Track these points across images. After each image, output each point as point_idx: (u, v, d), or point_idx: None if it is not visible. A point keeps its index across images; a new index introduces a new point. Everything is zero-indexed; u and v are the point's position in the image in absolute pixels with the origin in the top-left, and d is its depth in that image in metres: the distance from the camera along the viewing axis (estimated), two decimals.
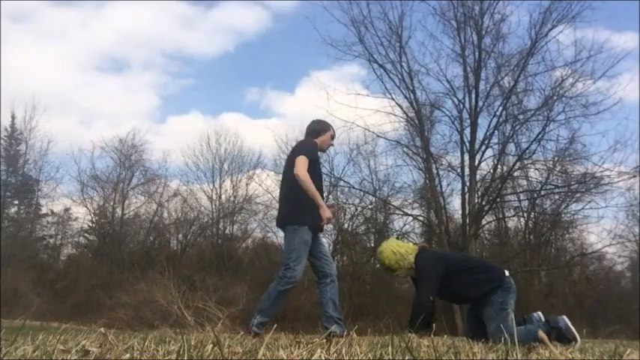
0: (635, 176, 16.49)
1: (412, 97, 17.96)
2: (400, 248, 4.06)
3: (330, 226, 18.71)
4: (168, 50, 36.65)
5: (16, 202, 24.57)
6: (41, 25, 32.71)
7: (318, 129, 4.53)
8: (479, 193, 17.97)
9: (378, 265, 3.80)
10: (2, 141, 24.06)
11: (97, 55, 36.08)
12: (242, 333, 3.94)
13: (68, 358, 1.43)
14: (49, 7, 34.42)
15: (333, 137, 4.62)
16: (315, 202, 4.09)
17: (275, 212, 22.73)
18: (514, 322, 3.65)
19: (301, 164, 4.10)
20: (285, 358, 1.41)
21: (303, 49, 32.65)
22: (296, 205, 4.18)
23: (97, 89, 33.26)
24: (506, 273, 4.04)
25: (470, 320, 4.10)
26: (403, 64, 17.86)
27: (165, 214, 24.53)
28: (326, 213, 4.07)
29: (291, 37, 33.45)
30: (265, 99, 35.85)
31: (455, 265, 4.01)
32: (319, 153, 4.47)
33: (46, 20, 32.79)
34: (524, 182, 19.23)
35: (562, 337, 3.62)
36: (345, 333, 4.09)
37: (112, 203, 24.23)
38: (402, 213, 19.99)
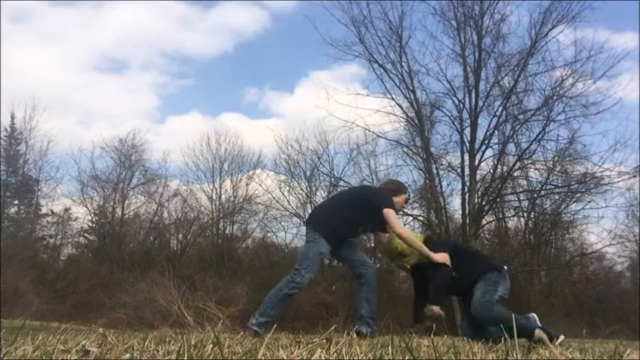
0: (635, 176, 16.50)
1: (412, 97, 17.97)
2: (410, 235, 4.22)
3: None
4: (167, 50, 36.70)
5: (16, 202, 24.58)
6: (41, 25, 32.76)
7: (396, 189, 4.55)
8: (479, 193, 17.98)
9: (385, 255, 3.94)
10: (2, 141, 24.07)
11: (96, 56, 36.16)
12: (242, 333, 3.93)
13: (68, 358, 1.43)
14: (49, 7, 34.47)
15: (407, 200, 4.71)
16: (429, 255, 4.04)
17: (275, 212, 22.81)
18: (496, 301, 3.76)
19: (393, 220, 4.16)
20: (285, 358, 1.41)
21: (302, 49, 32.71)
22: (336, 223, 4.28)
23: (96, 89, 33.30)
24: (505, 267, 4.18)
25: (467, 317, 4.11)
26: (403, 64, 17.89)
27: (165, 214, 24.54)
28: (443, 258, 4.00)
29: (290, 38, 33.50)
30: (264, 99, 35.92)
31: (461, 250, 4.30)
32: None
33: (45, 20, 32.83)
34: (524, 182, 19.25)
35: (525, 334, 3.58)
36: (372, 333, 4.14)
37: (112, 203, 24.24)
38: (401, 213, 19.98)
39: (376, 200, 4.27)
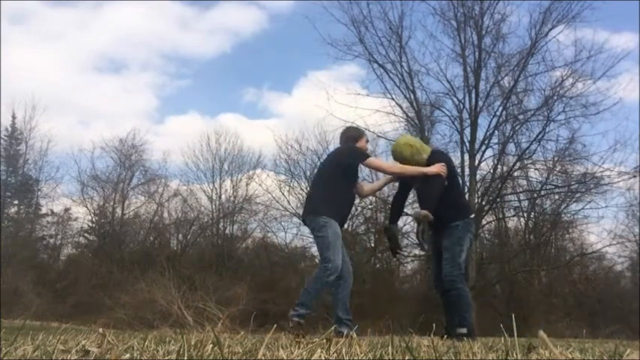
0: (635, 176, 16.50)
1: (412, 97, 17.96)
2: (416, 143, 4.40)
3: None
4: (165, 51, 36.72)
5: (16, 202, 24.57)
6: (39, 25, 32.73)
7: (356, 136, 4.67)
8: (479, 193, 17.97)
9: (391, 154, 4.12)
10: (2, 141, 24.06)
11: (95, 56, 36.20)
12: (242, 333, 3.93)
13: (68, 358, 1.43)
14: (47, 7, 34.49)
15: (367, 142, 4.85)
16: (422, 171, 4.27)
17: (275, 212, 22.82)
18: (464, 260, 4.21)
19: (377, 161, 4.47)
20: (285, 358, 1.41)
21: (300, 49, 32.68)
22: (327, 199, 4.35)
23: (95, 90, 33.27)
24: (472, 216, 4.64)
25: (435, 257, 4.44)
26: (403, 64, 17.87)
27: (166, 214, 24.53)
28: (438, 169, 4.22)
29: (288, 38, 33.52)
30: (263, 99, 35.95)
31: (455, 178, 4.58)
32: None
33: (44, 21, 32.81)
34: (524, 182, 19.24)
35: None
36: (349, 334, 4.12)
37: (112, 203, 24.24)
38: (402, 213, 19.98)
39: (349, 158, 4.38)
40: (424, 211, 4.09)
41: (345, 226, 22.13)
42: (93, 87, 33.47)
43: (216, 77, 34.89)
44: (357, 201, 21.63)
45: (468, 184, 17.60)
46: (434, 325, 4.07)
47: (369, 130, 18.14)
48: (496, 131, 17.90)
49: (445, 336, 3.51)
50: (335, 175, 4.39)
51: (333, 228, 4.25)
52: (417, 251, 18.50)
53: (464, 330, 4.02)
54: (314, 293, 4.24)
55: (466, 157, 17.73)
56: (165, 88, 35.54)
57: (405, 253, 4.67)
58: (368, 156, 4.48)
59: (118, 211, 24.13)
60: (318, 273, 4.25)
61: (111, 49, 34.40)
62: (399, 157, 4.38)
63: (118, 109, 33.57)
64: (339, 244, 4.30)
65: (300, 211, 22.34)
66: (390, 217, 4.73)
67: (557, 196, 18.65)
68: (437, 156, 4.40)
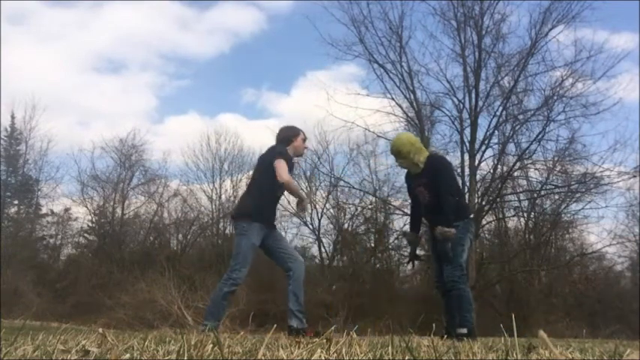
0: (635, 176, 16.51)
1: (412, 97, 17.97)
2: (417, 143, 4.37)
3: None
4: (164, 51, 36.70)
5: (16, 202, 24.55)
6: (39, 26, 32.73)
7: (290, 135, 4.58)
8: (479, 193, 17.98)
9: (390, 150, 4.15)
10: (2, 141, 24.06)
11: (94, 56, 36.24)
12: (242, 333, 3.94)
13: (68, 358, 1.43)
14: (46, 7, 34.48)
15: (305, 140, 4.68)
16: (301, 196, 4.53)
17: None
18: (465, 260, 4.27)
19: (283, 169, 4.24)
20: (285, 358, 1.41)
21: (299, 49, 32.72)
22: (249, 203, 4.40)
23: (95, 90, 33.30)
24: (471, 216, 4.76)
25: (437, 259, 4.42)
26: (403, 64, 17.89)
27: (166, 214, 24.52)
28: (305, 205, 4.47)
29: (287, 38, 33.58)
30: (261, 100, 36.00)
31: (455, 180, 4.67)
32: (296, 158, 4.66)
33: (43, 21, 32.82)
34: (524, 182, 19.25)
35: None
36: (303, 326, 4.20)
37: (112, 203, 24.22)
38: (402, 213, 19.97)
39: (271, 158, 4.33)
40: (451, 230, 4.13)
41: (345, 225, 22.27)
42: (92, 87, 33.54)
43: (215, 77, 34.95)
44: (357, 201, 21.81)
45: (468, 184, 17.60)
46: (434, 325, 4.09)
47: (368, 130, 18.21)
48: (496, 131, 17.93)
49: (445, 336, 3.52)
50: (268, 177, 4.34)
51: (248, 239, 4.32)
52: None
53: (464, 330, 4.06)
54: (218, 302, 4.30)
55: (466, 157, 17.74)
56: (164, 88, 35.59)
57: (421, 259, 4.69)
58: (282, 158, 4.30)
59: (118, 211, 24.14)
60: (221, 282, 4.35)
61: (110, 50, 34.48)
62: (396, 151, 4.35)
63: (117, 109, 33.62)
64: (250, 256, 4.39)
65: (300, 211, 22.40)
66: (411, 227, 4.75)
67: (557, 196, 18.67)
68: (433, 161, 4.37)
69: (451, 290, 4.21)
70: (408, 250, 4.57)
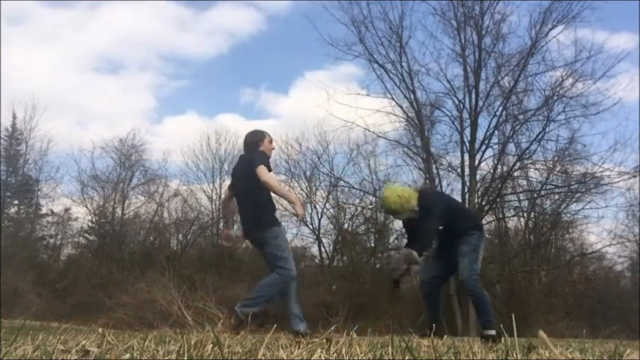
0: (635, 176, 16.51)
1: (412, 97, 17.98)
2: (404, 192, 4.41)
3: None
4: (163, 52, 36.77)
5: (16, 202, 24.54)
6: (38, 26, 32.72)
7: (257, 140, 4.66)
8: (479, 193, 17.98)
9: (381, 209, 4.26)
10: (2, 141, 24.05)
11: (94, 56, 36.18)
12: (242, 333, 3.94)
13: (68, 358, 1.43)
14: (45, 8, 34.47)
15: (271, 142, 4.76)
16: (290, 199, 4.57)
17: None
18: (479, 266, 4.37)
19: (264, 172, 4.31)
20: (285, 358, 1.41)
21: (297, 50, 32.73)
22: (267, 209, 4.46)
23: (94, 90, 33.29)
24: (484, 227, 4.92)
25: (437, 261, 4.54)
26: (403, 64, 17.90)
27: (166, 214, 24.51)
28: (300, 209, 4.44)
29: (285, 39, 33.59)
30: (260, 100, 36.02)
31: (452, 203, 4.87)
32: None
33: (42, 21, 32.82)
34: (524, 182, 19.25)
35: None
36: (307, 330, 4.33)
37: (112, 203, 24.21)
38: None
39: (252, 165, 4.38)
40: (415, 255, 4.15)
41: (345, 225, 22.28)
42: (92, 87, 33.52)
43: (213, 78, 34.96)
44: (356, 201, 21.79)
45: (468, 184, 17.60)
46: (434, 325, 4.10)
47: (368, 130, 18.22)
48: (496, 131, 17.94)
49: (430, 334, 3.55)
50: (255, 182, 4.36)
51: (284, 235, 4.48)
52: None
53: (493, 332, 4.15)
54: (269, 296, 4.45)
55: (466, 157, 17.75)
56: (163, 88, 35.58)
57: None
58: (263, 164, 4.37)
59: (118, 211, 24.12)
60: (275, 279, 4.37)
61: (110, 50, 34.53)
62: (391, 212, 4.44)
63: (117, 109, 33.62)
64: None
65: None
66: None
67: (557, 196, 18.66)
68: (425, 199, 4.40)
69: (470, 293, 4.36)
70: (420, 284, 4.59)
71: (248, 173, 4.40)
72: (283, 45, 33.59)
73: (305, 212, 4.46)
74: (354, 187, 20.68)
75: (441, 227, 4.38)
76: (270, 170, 4.39)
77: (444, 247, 4.48)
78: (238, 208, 4.72)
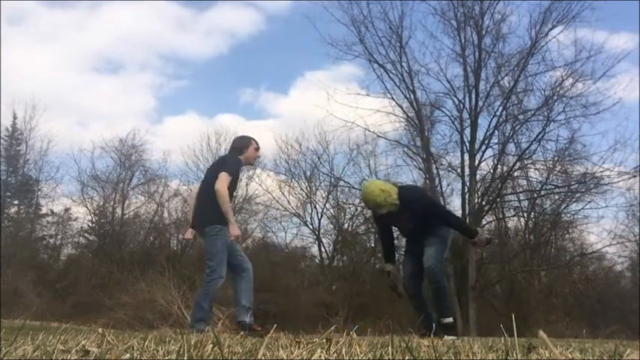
0: (635, 176, 16.52)
1: (412, 97, 17.99)
2: (385, 186, 4.47)
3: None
4: (163, 52, 36.78)
5: (16, 202, 24.55)
6: (38, 26, 32.71)
7: (242, 145, 4.71)
8: (479, 193, 17.99)
9: (362, 203, 4.33)
10: (2, 141, 24.05)
11: (93, 56, 36.19)
12: (242, 333, 3.95)
13: (68, 358, 1.43)
14: (45, 8, 34.46)
15: (257, 149, 4.80)
16: (229, 218, 4.48)
17: (275, 212, 22.83)
18: (444, 259, 4.59)
19: (224, 181, 4.39)
20: (285, 358, 1.41)
21: (297, 50, 32.75)
22: (217, 206, 4.45)
23: (94, 90, 33.26)
24: None
25: (411, 260, 4.57)
26: (403, 64, 17.91)
27: (166, 214, 24.51)
28: (235, 230, 4.45)
29: (285, 39, 33.61)
30: (259, 100, 36.05)
31: (437, 200, 5.00)
32: (247, 167, 4.88)
33: (42, 22, 32.82)
34: (524, 182, 19.26)
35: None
36: (251, 323, 4.44)
37: (112, 203, 24.21)
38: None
39: (221, 168, 4.50)
40: (486, 237, 4.58)
41: (345, 225, 22.25)
42: (92, 87, 33.50)
43: (213, 78, 34.97)
44: (356, 201, 21.80)
45: (468, 184, 17.61)
46: (434, 325, 4.10)
47: (368, 130, 18.22)
48: (496, 131, 17.96)
49: (427, 333, 3.61)
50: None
51: (223, 237, 4.44)
52: None
53: (450, 319, 4.28)
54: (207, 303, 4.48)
55: (466, 157, 17.76)
56: (162, 88, 35.60)
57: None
58: (231, 172, 4.48)
59: (118, 211, 24.12)
60: (204, 289, 4.52)
61: (109, 50, 34.56)
62: (374, 205, 4.45)
63: (116, 109, 33.63)
64: (225, 256, 4.50)
65: (300, 211, 22.43)
66: (388, 259, 4.76)
67: (557, 196, 18.67)
68: (406, 194, 4.49)
69: (433, 283, 4.38)
70: (399, 286, 4.62)
71: (214, 172, 4.54)
72: (283, 45, 33.64)
73: (239, 237, 4.49)
74: (354, 187, 20.70)
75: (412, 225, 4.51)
76: (235, 180, 4.50)
77: (415, 242, 4.57)
78: (196, 201, 4.81)
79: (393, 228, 4.80)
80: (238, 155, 4.65)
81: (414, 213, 4.41)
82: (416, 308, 4.54)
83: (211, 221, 4.45)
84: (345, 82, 30.23)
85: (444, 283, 4.50)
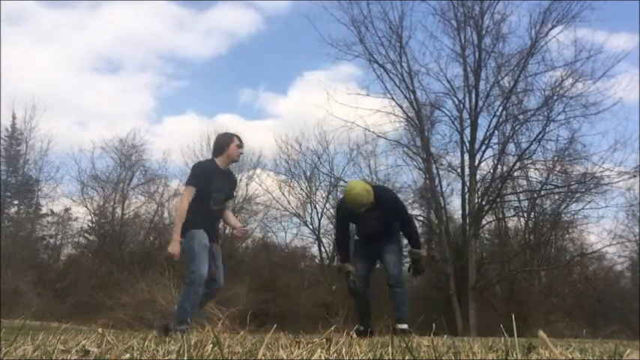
0: (635, 176, 16.52)
1: (412, 97, 17.99)
2: (366, 186, 4.58)
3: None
4: (162, 52, 36.80)
5: (16, 202, 24.54)
6: (37, 26, 32.72)
7: (223, 143, 4.67)
8: (479, 193, 17.98)
9: (351, 203, 4.25)
10: (2, 141, 24.05)
11: (93, 56, 36.21)
12: (242, 333, 3.95)
13: (68, 358, 1.43)
14: (45, 8, 34.47)
15: (240, 146, 4.73)
16: (174, 233, 4.58)
17: (275, 212, 22.83)
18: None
19: (184, 195, 4.52)
20: (285, 358, 1.41)
21: (296, 50, 32.78)
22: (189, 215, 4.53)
23: (94, 90, 33.28)
24: None
25: (364, 261, 4.78)
26: (403, 64, 17.92)
27: (166, 214, 24.51)
28: (171, 247, 4.55)
29: (284, 39, 33.64)
30: (259, 100, 36.07)
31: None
32: (231, 163, 4.75)
33: (42, 22, 32.83)
34: (524, 182, 19.25)
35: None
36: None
37: (112, 203, 24.20)
38: None
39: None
40: (424, 252, 4.81)
41: None
42: (92, 87, 33.53)
43: (213, 78, 35.00)
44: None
45: (468, 184, 17.61)
46: (434, 325, 4.09)
47: (368, 130, 18.22)
48: (496, 131, 17.96)
49: (368, 333, 3.78)
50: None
51: (199, 240, 4.44)
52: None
53: (405, 325, 4.52)
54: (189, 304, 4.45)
55: (466, 157, 17.76)
56: (162, 88, 35.62)
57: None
58: (190, 184, 4.51)
59: (118, 211, 24.11)
60: (187, 290, 4.51)
61: (109, 50, 34.57)
62: (358, 204, 4.50)
63: (116, 109, 33.67)
64: (205, 255, 4.45)
65: (300, 211, 22.42)
66: (345, 259, 4.83)
67: (557, 196, 18.67)
68: (381, 194, 4.63)
69: (395, 287, 4.66)
70: (350, 283, 4.72)
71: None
72: (282, 45, 33.66)
73: (177, 253, 4.59)
74: None
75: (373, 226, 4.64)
76: (206, 183, 4.46)
77: (370, 243, 4.72)
78: None
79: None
80: (220, 154, 4.60)
81: (384, 212, 4.56)
82: (360, 307, 4.81)
83: (185, 228, 4.52)
84: (345, 82, 30.23)
85: (405, 290, 4.78)
